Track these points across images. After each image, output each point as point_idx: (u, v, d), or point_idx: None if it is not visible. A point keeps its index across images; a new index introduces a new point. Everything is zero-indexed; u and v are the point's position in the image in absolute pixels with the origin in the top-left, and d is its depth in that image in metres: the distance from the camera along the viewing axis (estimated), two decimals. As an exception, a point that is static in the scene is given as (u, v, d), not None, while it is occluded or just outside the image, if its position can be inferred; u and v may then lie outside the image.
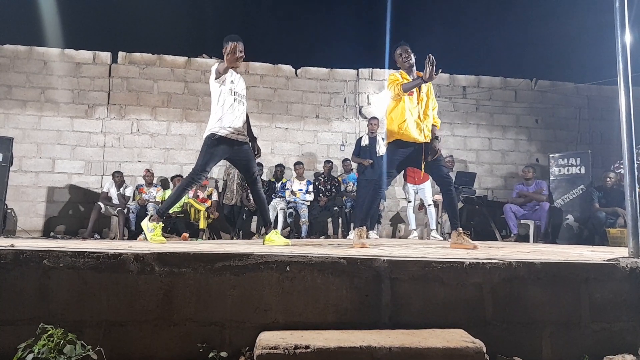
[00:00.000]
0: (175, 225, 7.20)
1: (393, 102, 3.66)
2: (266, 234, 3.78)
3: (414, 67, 3.70)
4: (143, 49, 8.25)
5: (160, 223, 3.82)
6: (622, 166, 6.52)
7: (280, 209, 7.22)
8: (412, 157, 3.64)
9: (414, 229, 7.14)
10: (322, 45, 11.74)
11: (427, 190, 6.84)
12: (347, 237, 6.85)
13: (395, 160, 3.65)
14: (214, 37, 11.07)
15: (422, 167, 3.63)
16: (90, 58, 8.09)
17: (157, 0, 9.78)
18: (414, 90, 3.63)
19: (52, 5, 8.53)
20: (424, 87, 3.65)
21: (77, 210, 7.81)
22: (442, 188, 3.71)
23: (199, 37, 11.16)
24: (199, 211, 7.23)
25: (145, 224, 3.85)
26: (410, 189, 7.08)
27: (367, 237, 3.63)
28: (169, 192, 7.41)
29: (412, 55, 3.69)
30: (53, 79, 7.91)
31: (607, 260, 2.16)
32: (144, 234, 6.97)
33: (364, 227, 3.58)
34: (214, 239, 7.68)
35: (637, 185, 2.38)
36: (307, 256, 1.98)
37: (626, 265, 2.11)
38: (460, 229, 3.54)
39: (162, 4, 10.02)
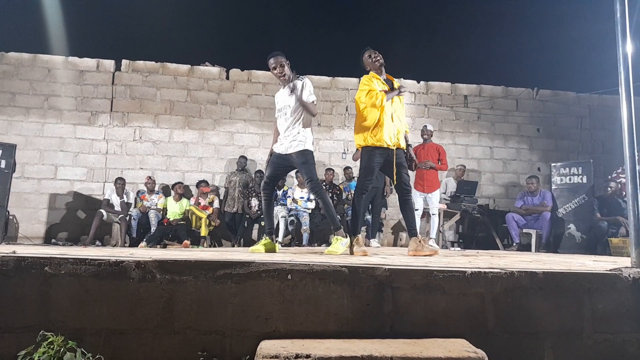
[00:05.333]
0: (177, 232, 7.20)
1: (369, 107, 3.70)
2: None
3: (384, 68, 3.81)
4: (146, 57, 8.32)
5: (267, 238, 3.78)
6: (621, 175, 6.55)
7: (282, 217, 7.22)
8: (387, 162, 3.66)
9: (416, 238, 7.10)
10: (324, 53, 11.80)
11: (435, 199, 6.78)
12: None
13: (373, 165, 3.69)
14: (217, 46, 11.15)
15: (394, 173, 3.63)
16: (93, 66, 8.14)
17: (161, 9, 9.86)
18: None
19: (57, 13, 8.60)
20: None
21: (79, 217, 7.82)
22: (400, 196, 3.71)
23: (202, 45, 11.24)
24: (200, 218, 7.23)
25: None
26: (419, 197, 6.98)
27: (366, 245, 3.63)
28: (170, 200, 7.42)
29: (380, 56, 3.78)
30: (56, 87, 7.96)
31: (610, 270, 2.15)
32: (145, 241, 6.97)
33: (359, 235, 3.59)
34: (215, 246, 7.67)
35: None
36: (309, 264, 1.98)
37: (629, 275, 2.10)
38: (420, 235, 3.55)
39: (166, 13, 10.10)
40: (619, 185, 6.46)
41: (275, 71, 3.79)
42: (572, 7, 9.84)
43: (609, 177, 7.05)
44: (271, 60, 3.78)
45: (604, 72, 7.90)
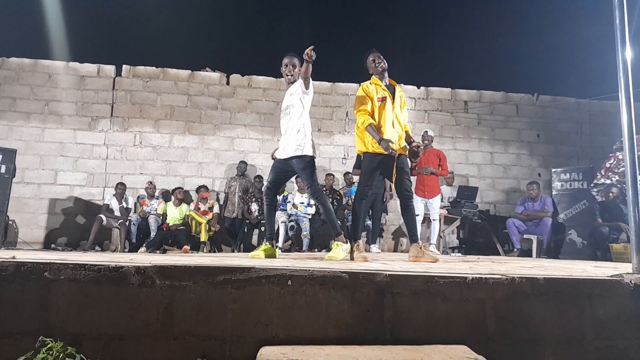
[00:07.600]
0: (176, 237, 7.19)
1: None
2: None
3: (386, 72, 3.77)
4: (147, 62, 8.35)
5: (267, 244, 3.78)
6: (614, 160, 6.50)
7: (282, 222, 7.21)
8: (388, 167, 3.64)
9: (417, 243, 7.08)
10: (324, 59, 11.82)
11: (436, 205, 6.75)
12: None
13: (373, 171, 3.68)
14: (217, 51, 11.18)
15: (393, 178, 3.61)
16: (94, 71, 8.17)
17: (162, 15, 9.90)
18: (387, 98, 3.65)
19: (58, 19, 8.64)
20: (396, 98, 3.70)
21: (79, 222, 7.81)
22: (402, 201, 3.69)
23: (203, 51, 11.27)
24: (200, 224, 7.22)
25: None
26: (419, 203, 6.91)
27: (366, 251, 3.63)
28: (170, 205, 7.42)
29: (384, 60, 3.75)
30: (57, 92, 7.99)
31: (611, 276, 2.14)
32: (145, 246, 6.96)
33: (359, 240, 3.58)
34: (215, 251, 7.65)
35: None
36: (309, 270, 1.97)
37: (630, 282, 2.09)
38: (421, 242, 3.54)
39: (166, 19, 10.14)
40: (619, 191, 6.45)
41: (285, 69, 3.83)
42: (572, 12, 9.89)
43: (614, 147, 6.98)
44: (286, 59, 3.83)
45: (603, 77, 7.91)
